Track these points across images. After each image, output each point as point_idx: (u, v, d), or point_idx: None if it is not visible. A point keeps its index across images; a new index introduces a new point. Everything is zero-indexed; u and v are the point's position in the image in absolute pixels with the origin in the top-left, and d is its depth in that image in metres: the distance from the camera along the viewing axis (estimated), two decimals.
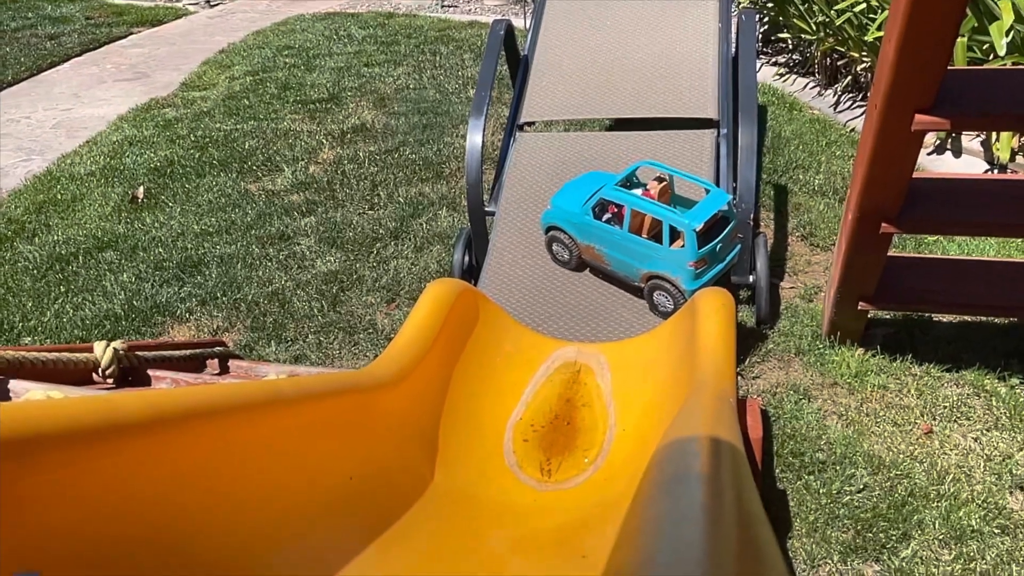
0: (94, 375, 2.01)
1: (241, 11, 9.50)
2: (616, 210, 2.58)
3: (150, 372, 2.10)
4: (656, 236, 2.50)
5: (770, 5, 5.60)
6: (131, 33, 8.34)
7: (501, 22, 3.39)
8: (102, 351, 1.99)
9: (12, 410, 0.96)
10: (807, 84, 5.35)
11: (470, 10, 8.51)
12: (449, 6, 8.65)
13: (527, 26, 3.72)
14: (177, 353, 2.29)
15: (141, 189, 4.34)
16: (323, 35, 7.35)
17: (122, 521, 1.09)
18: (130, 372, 2.08)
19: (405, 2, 8.94)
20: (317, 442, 1.56)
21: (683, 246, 2.43)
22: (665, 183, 2.63)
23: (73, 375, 1.95)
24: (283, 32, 7.69)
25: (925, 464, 2.32)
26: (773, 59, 5.87)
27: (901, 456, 2.34)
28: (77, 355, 1.95)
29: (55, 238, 3.89)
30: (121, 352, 2.02)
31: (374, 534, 1.59)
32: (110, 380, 2.01)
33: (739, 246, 2.62)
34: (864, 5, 4.43)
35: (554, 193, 2.77)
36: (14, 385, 1.72)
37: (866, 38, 4.44)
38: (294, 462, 1.48)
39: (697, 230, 2.40)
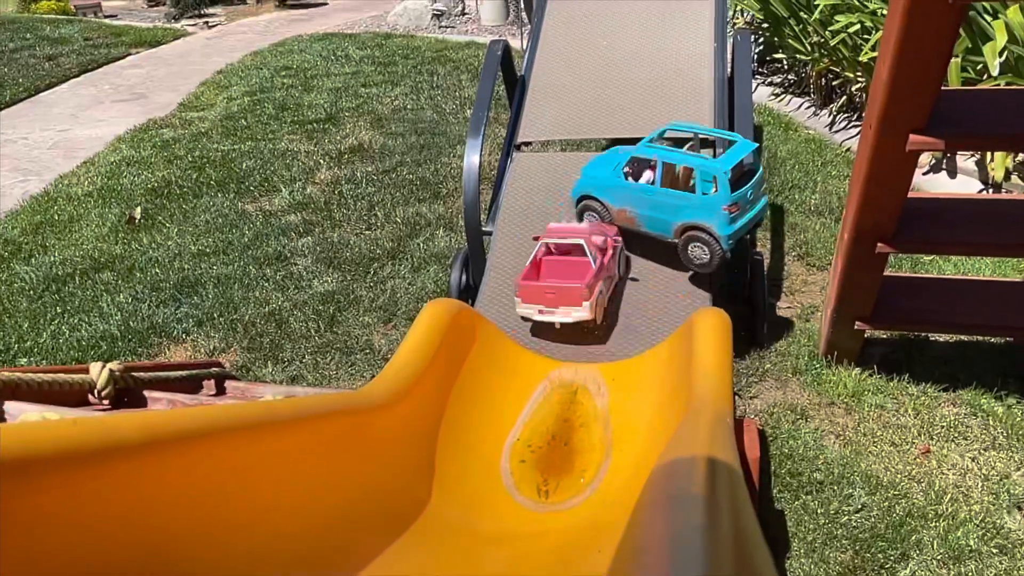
0: (90, 396, 2.00)
1: (239, 32, 9.56)
2: (647, 173, 2.61)
3: (146, 393, 2.08)
4: (689, 190, 2.51)
5: (765, 26, 5.65)
6: (129, 54, 8.39)
7: (498, 43, 3.41)
8: (98, 372, 1.98)
9: (8, 431, 0.95)
10: (802, 104, 5.38)
11: (467, 31, 8.57)
12: (446, 27, 8.71)
13: (524, 47, 3.74)
14: (173, 374, 2.27)
15: (138, 210, 4.35)
16: (321, 56, 7.39)
17: (118, 542, 1.08)
18: (126, 393, 2.07)
19: (402, 23, 8.99)
20: (313, 463, 1.56)
21: (716, 192, 2.44)
22: (691, 144, 2.65)
23: (69, 396, 1.94)
24: (281, 53, 7.73)
25: (923, 484, 2.31)
26: (769, 79, 5.91)
27: (899, 476, 2.34)
28: (73, 376, 1.94)
29: (52, 259, 3.89)
30: (117, 373, 2.01)
31: (371, 556, 1.59)
32: (106, 401, 2.00)
33: (766, 199, 2.60)
34: (858, 26, 4.47)
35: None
36: (9, 407, 1.71)
37: (861, 59, 4.47)
38: (290, 483, 1.48)
39: (728, 171, 2.40)
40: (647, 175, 2.64)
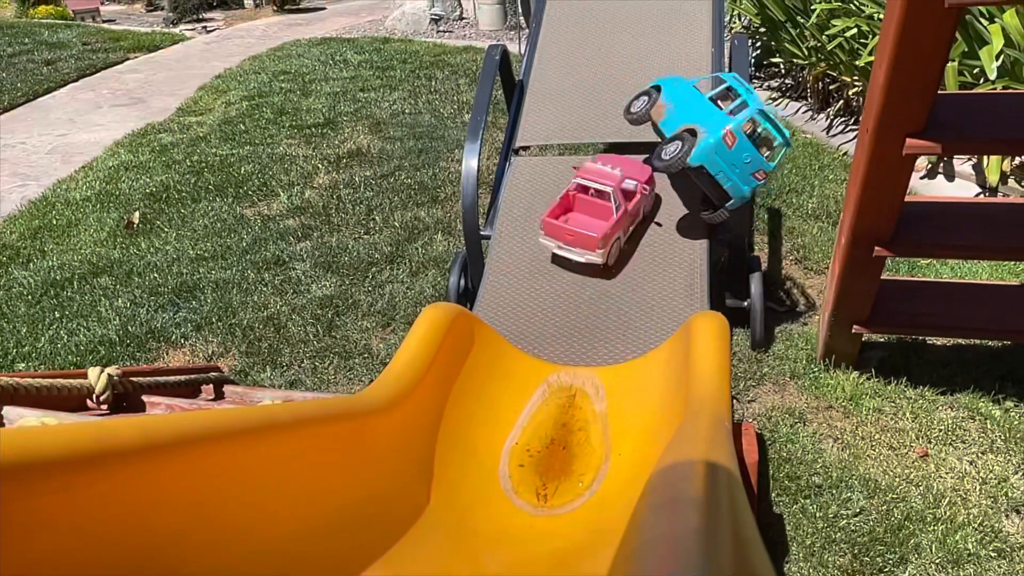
0: (88, 401, 2.00)
1: (237, 37, 9.57)
2: None
3: (144, 398, 2.09)
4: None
5: (763, 30, 5.66)
6: (128, 59, 8.39)
7: (496, 47, 3.41)
8: (96, 377, 1.98)
9: (7, 436, 0.96)
10: (800, 108, 5.39)
11: (465, 35, 8.58)
12: (444, 31, 8.72)
13: (522, 51, 3.75)
14: (172, 379, 2.28)
15: (136, 214, 4.35)
16: (319, 60, 7.39)
17: (116, 546, 1.08)
18: (124, 398, 2.07)
19: (400, 27, 9.01)
20: (312, 467, 1.56)
21: (732, 116, 2.54)
22: None
23: (67, 401, 1.94)
24: (279, 57, 7.74)
25: (921, 487, 2.31)
26: (766, 83, 5.92)
27: (897, 480, 2.34)
28: (71, 381, 1.94)
29: (50, 264, 3.89)
30: (115, 378, 2.02)
31: (369, 560, 1.59)
32: (104, 406, 2.00)
33: (747, 188, 2.60)
34: (855, 30, 4.48)
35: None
36: (8, 411, 1.71)
37: (857, 63, 4.48)
38: (289, 488, 1.48)
39: (761, 111, 2.53)
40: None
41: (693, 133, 2.54)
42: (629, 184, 2.72)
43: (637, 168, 2.81)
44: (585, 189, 2.75)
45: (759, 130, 2.55)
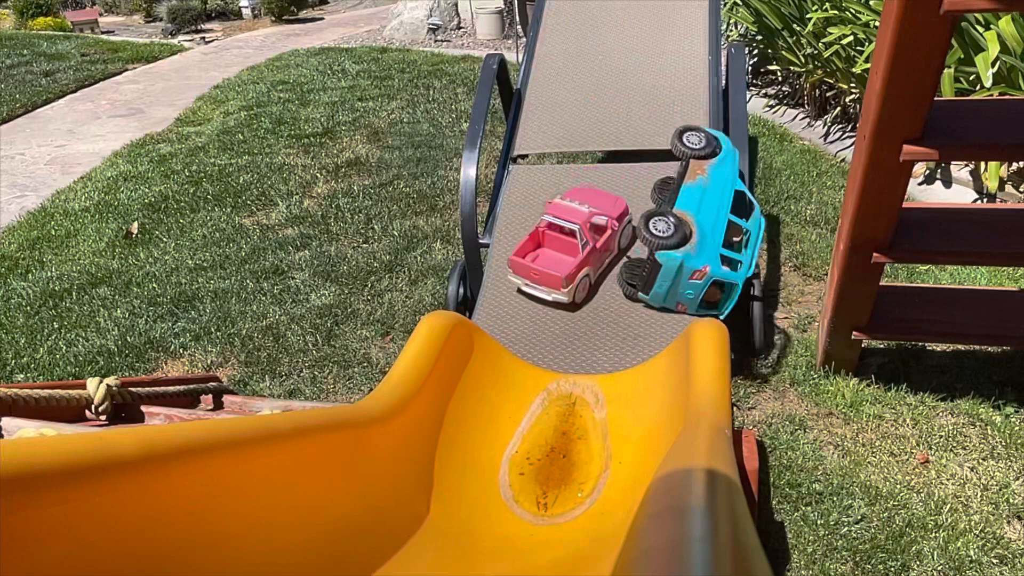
0: (87, 412, 2.00)
1: (236, 47, 9.58)
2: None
3: (143, 408, 2.08)
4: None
5: (759, 38, 5.67)
6: (126, 69, 8.41)
7: (494, 56, 3.42)
8: (95, 388, 1.98)
9: (5, 447, 0.95)
10: (797, 115, 5.40)
11: (463, 45, 8.60)
12: (442, 41, 8.74)
13: (519, 60, 3.75)
14: (171, 389, 2.27)
15: (135, 224, 4.35)
16: (317, 70, 7.40)
17: (116, 557, 1.08)
18: (123, 408, 2.07)
19: (398, 37, 9.02)
20: (311, 478, 1.55)
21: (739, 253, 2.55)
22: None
23: (66, 412, 1.94)
24: (277, 67, 7.75)
25: (922, 494, 2.31)
26: (763, 91, 5.93)
27: (898, 486, 2.34)
28: (70, 392, 1.94)
29: (49, 274, 3.89)
30: (114, 388, 2.01)
31: (369, 570, 1.58)
32: (103, 417, 2.00)
33: (658, 305, 2.59)
34: (851, 38, 4.49)
35: None
36: (7, 423, 1.71)
37: (854, 70, 4.49)
38: (288, 498, 1.47)
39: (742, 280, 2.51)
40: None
41: (688, 228, 2.49)
42: (600, 220, 2.67)
43: (611, 202, 2.75)
44: (554, 225, 2.70)
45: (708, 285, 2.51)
